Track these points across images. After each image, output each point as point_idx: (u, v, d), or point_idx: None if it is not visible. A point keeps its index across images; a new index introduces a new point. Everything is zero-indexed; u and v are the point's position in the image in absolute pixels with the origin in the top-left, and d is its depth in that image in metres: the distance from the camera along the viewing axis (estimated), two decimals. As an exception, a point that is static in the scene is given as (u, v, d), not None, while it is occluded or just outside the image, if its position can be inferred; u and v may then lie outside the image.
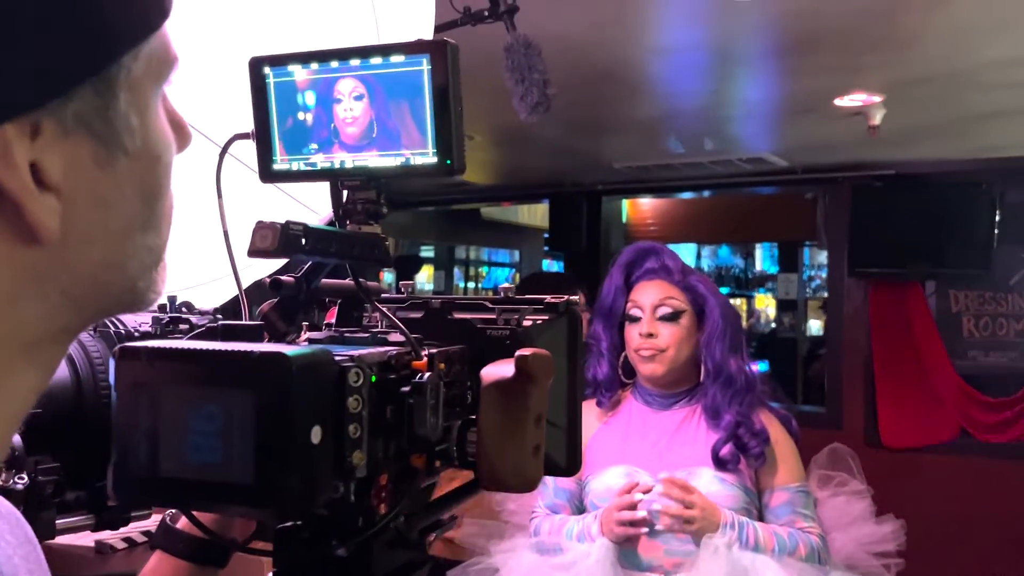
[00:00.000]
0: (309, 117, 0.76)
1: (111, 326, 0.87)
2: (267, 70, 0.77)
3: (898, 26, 2.78)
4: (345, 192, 0.78)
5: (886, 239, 4.64)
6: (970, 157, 4.63)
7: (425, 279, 9.69)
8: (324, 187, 0.81)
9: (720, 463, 2.03)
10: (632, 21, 2.81)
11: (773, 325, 9.66)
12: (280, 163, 0.78)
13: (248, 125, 0.80)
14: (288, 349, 0.57)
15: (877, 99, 3.55)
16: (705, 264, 10.05)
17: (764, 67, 3.38)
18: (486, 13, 1.99)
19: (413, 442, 0.65)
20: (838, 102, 3.61)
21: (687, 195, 6.71)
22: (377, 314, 0.81)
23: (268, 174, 0.79)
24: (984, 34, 2.85)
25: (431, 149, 0.72)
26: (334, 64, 0.74)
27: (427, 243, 9.89)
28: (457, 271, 10.58)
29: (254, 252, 0.66)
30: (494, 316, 0.82)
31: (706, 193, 6.34)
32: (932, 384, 4.68)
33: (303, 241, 0.67)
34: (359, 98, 0.74)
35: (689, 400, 2.14)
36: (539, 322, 0.81)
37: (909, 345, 4.74)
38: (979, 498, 4.44)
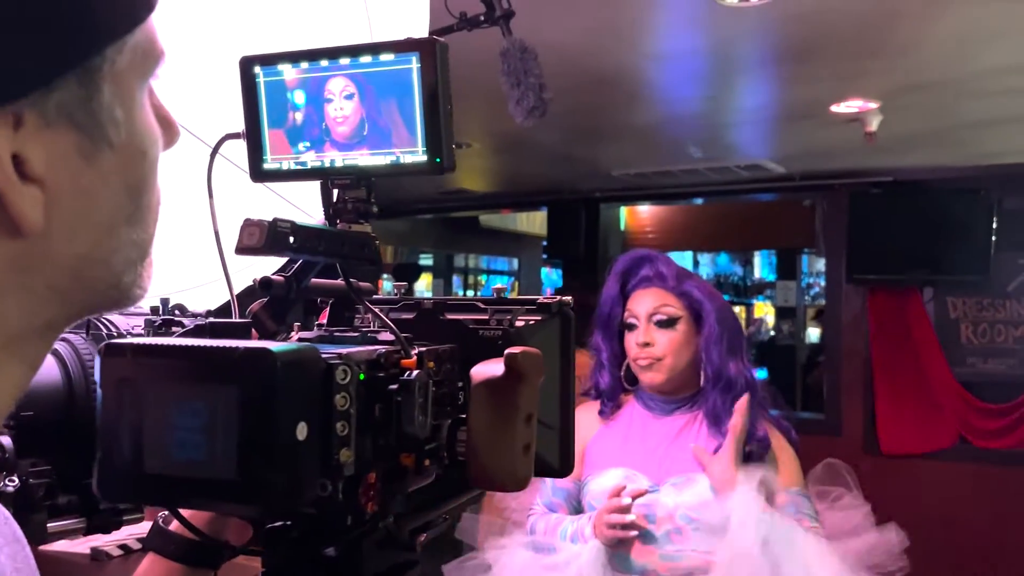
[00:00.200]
0: (299, 116, 0.76)
1: (103, 328, 0.87)
2: (257, 69, 0.77)
3: (894, 34, 2.79)
4: (336, 191, 0.77)
5: (884, 246, 4.64)
6: (967, 164, 4.64)
7: (424, 287, 9.69)
8: (318, 189, 0.81)
9: None
10: (629, 27, 2.82)
11: (772, 333, 9.66)
12: (270, 162, 0.78)
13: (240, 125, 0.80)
14: (273, 345, 0.56)
15: (873, 106, 3.56)
16: (704, 272, 10.06)
17: (761, 74, 3.38)
18: (482, 18, 1.99)
19: (402, 440, 0.65)
20: (835, 109, 3.62)
21: (685, 202, 6.72)
22: (369, 315, 0.81)
23: (258, 173, 0.78)
24: (980, 42, 2.85)
25: (421, 147, 0.72)
26: (324, 63, 0.74)
27: (426, 251, 9.91)
28: (456, 279, 10.59)
29: (242, 249, 0.66)
30: (486, 317, 0.81)
31: (698, 200, 6.35)
32: (931, 391, 4.68)
33: (291, 239, 0.67)
34: (349, 97, 0.74)
35: (691, 406, 2.13)
36: (532, 322, 0.81)
37: (908, 352, 4.74)
38: (978, 504, 4.43)
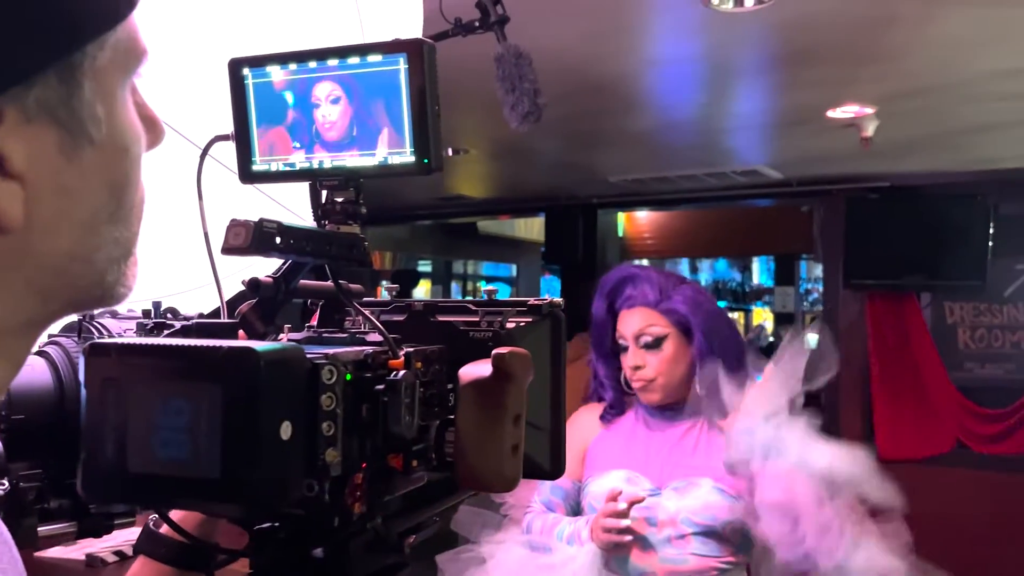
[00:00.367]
0: (289, 118, 0.76)
1: (95, 332, 0.87)
2: (246, 71, 0.77)
3: (889, 39, 2.80)
4: (324, 192, 0.77)
5: (881, 251, 4.65)
6: (964, 169, 4.65)
7: (423, 293, 9.69)
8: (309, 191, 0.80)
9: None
10: (625, 33, 2.83)
11: (772, 339, 9.66)
12: (259, 164, 0.78)
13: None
14: (257, 344, 0.56)
15: (869, 111, 3.57)
16: (703, 278, 10.06)
17: (757, 79, 3.39)
18: (477, 24, 1.99)
19: (388, 441, 0.65)
20: (831, 114, 3.62)
21: (683, 208, 6.73)
22: (360, 317, 0.81)
23: (247, 175, 0.78)
24: (975, 47, 2.86)
25: (409, 148, 0.72)
26: (312, 64, 0.74)
27: (424, 257, 9.91)
28: (455, 285, 10.59)
29: (227, 250, 0.66)
30: (477, 318, 0.81)
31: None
32: (928, 396, 4.68)
33: (277, 239, 0.67)
34: (336, 101, 0.74)
35: (693, 412, 2.13)
36: (522, 324, 0.81)
37: (905, 357, 4.74)
38: (976, 509, 4.43)
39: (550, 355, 0.82)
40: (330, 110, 0.74)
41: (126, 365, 0.58)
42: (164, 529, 0.89)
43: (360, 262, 0.75)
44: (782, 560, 1.87)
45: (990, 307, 4.75)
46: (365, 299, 0.84)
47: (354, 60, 0.73)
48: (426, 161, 0.72)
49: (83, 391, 0.60)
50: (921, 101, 3.46)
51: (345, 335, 0.77)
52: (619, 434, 2.17)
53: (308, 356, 0.61)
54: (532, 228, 9.27)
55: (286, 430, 0.56)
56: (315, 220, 0.77)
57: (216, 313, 0.84)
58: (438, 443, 0.71)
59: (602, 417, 2.19)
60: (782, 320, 9.22)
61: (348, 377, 0.63)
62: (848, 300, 4.92)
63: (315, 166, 0.76)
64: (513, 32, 1.98)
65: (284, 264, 0.76)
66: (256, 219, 0.66)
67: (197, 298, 1.16)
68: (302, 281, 0.80)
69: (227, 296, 0.83)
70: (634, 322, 2.09)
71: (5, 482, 0.78)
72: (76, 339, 0.84)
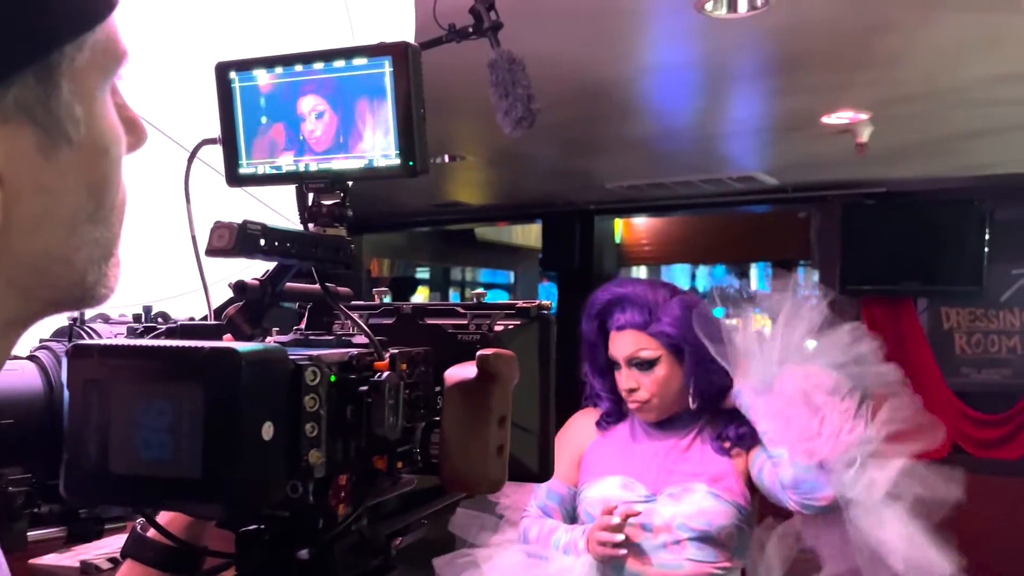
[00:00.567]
0: (276, 124, 0.77)
1: (85, 337, 0.87)
2: (233, 75, 0.77)
3: (883, 45, 2.81)
4: (311, 195, 0.78)
5: (877, 257, 4.65)
6: (960, 175, 4.65)
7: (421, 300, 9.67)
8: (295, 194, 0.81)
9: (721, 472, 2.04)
10: (621, 40, 2.83)
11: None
12: (246, 167, 0.78)
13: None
14: (239, 345, 0.56)
15: (864, 117, 3.58)
16: (701, 285, 10.05)
17: (751, 85, 3.40)
18: (470, 30, 2.00)
19: (372, 442, 0.65)
20: (825, 120, 3.63)
21: (679, 214, 6.73)
22: (348, 320, 0.81)
23: (235, 178, 0.79)
24: (968, 53, 2.87)
25: (394, 151, 0.73)
26: (298, 68, 0.75)
27: (422, 265, 9.90)
28: (454, 293, 10.58)
29: (211, 251, 0.66)
30: (465, 321, 0.81)
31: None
32: (924, 401, 4.68)
33: (261, 241, 0.67)
34: (320, 116, 0.74)
35: (690, 421, 2.13)
36: (510, 327, 0.81)
37: (901, 362, 4.73)
38: (972, 515, 4.42)
39: (538, 357, 0.82)
40: (315, 125, 0.75)
41: (108, 366, 0.58)
42: (151, 532, 0.89)
43: (346, 265, 0.75)
44: (801, 462, 1.93)
45: (986, 312, 4.75)
46: (353, 302, 0.84)
47: (340, 63, 0.73)
48: (411, 163, 0.72)
49: (65, 392, 0.60)
50: (915, 107, 3.47)
51: (332, 337, 0.77)
52: (615, 440, 2.17)
53: (292, 357, 0.61)
54: (530, 235, 9.27)
55: (268, 431, 0.56)
56: (301, 223, 0.77)
57: (207, 318, 0.84)
58: (424, 445, 0.71)
59: (598, 423, 2.19)
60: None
61: (332, 378, 0.63)
62: (844, 305, 4.92)
63: (301, 169, 0.76)
64: (508, 39, 1.98)
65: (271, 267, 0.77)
66: (240, 221, 0.66)
67: (189, 302, 1.16)
68: (289, 284, 0.80)
69: (218, 300, 0.84)
70: (625, 345, 2.08)
71: (-6, 486, 0.78)
72: (66, 344, 0.84)
